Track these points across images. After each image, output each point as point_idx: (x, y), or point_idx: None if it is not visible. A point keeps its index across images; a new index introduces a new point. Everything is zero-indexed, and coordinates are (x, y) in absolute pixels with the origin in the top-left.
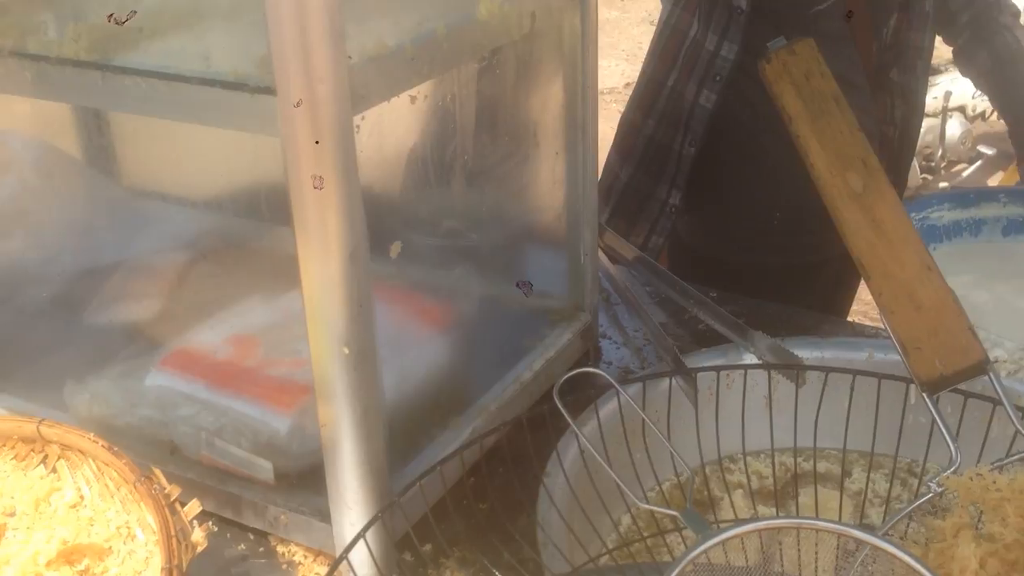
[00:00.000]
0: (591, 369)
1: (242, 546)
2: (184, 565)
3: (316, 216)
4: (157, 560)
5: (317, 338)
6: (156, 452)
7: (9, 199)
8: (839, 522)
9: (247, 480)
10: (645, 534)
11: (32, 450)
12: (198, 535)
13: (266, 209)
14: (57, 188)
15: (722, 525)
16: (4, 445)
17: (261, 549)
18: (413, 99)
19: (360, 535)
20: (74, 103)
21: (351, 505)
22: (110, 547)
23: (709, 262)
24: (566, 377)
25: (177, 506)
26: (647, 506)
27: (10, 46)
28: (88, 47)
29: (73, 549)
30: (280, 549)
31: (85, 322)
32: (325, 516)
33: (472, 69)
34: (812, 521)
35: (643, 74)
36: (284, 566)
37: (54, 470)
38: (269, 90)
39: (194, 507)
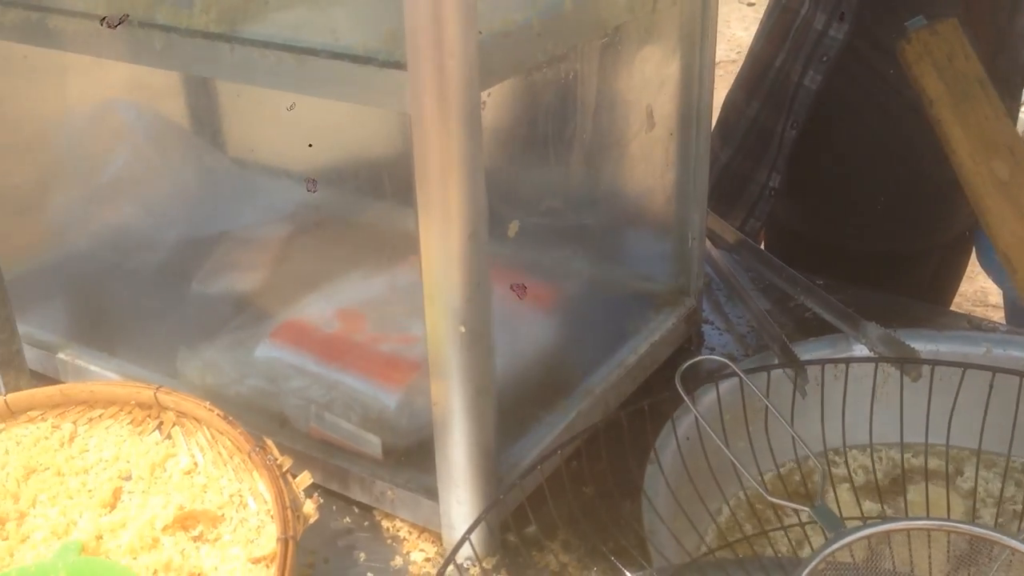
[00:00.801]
0: (714, 357)
1: (347, 519)
2: (298, 536)
3: (440, 194)
4: (270, 529)
5: (434, 316)
6: (265, 423)
7: (124, 166)
8: (981, 525)
9: (355, 454)
10: (766, 527)
11: (148, 416)
12: (309, 507)
13: (379, 183)
14: (168, 157)
15: (848, 523)
16: (122, 410)
17: (366, 523)
18: (535, 75)
19: (481, 518)
20: (202, 75)
21: (459, 484)
22: (223, 514)
23: (808, 245)
24: (689, 364)
25: (289, 477)
26: (775, 500)
27: (139, 16)
28: (217, 18)
29: (188, 515)
30: (385, 524)
31: (193, 291)
32: (432, 493)
33: (595, 46)
34: (953, 524)
35: (750, 54)
36: (389, 541)
37: (169, 436)
38: (399, 64)
39: (305, 479)
